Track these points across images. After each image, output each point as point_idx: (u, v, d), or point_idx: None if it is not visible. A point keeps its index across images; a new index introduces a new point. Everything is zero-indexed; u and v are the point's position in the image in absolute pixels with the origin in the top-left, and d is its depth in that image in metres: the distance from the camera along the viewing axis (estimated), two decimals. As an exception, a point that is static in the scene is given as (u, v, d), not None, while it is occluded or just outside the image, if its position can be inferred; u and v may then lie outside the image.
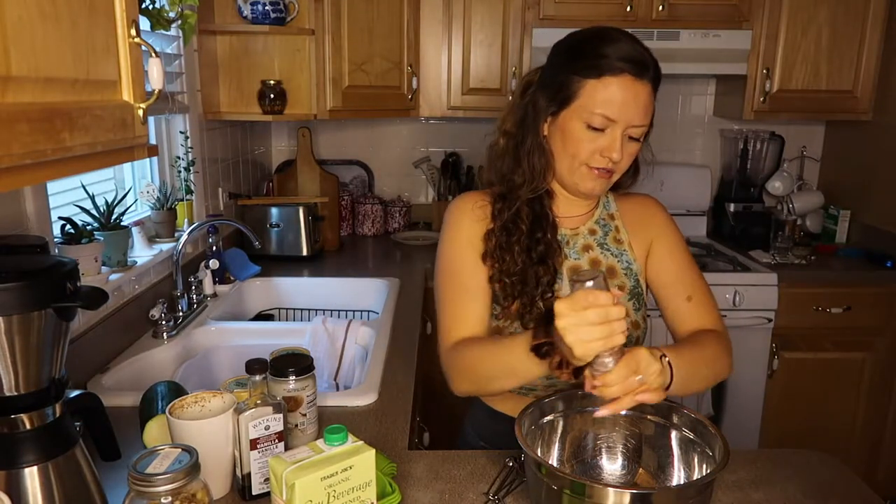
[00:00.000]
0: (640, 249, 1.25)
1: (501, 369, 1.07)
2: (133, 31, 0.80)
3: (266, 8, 2.20)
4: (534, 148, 1.17)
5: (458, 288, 1.18)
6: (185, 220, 2.02)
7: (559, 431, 1.06)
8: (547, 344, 0.95)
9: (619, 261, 1.23)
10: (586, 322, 0.85)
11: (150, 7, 1.49)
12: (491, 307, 1.20)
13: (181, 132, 2.03)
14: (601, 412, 0.95)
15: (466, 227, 1.20)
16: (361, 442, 0.87)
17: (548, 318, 0.92)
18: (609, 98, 1.08)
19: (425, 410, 1.97)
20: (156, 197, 1.87)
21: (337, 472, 0.83)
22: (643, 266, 1.25)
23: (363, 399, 1.37)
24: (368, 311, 2.21)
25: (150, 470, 0.81)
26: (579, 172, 1.15)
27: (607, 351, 0.88)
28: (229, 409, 1.02)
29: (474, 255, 1.19)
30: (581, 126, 1.11)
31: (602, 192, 1.19)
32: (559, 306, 0.87)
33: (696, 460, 0.99)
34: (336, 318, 1.94)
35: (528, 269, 1.17)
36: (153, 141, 1.95)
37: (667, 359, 0.99)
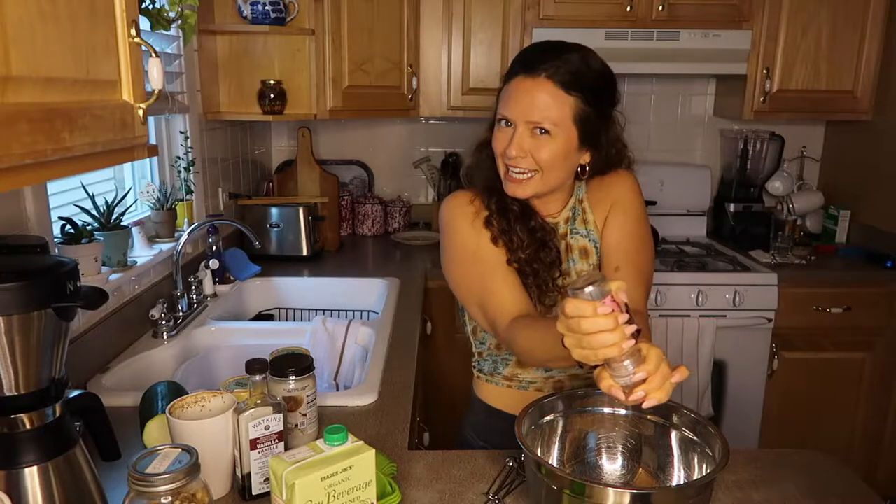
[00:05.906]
0: (601, 222, 1.26)
1: (556, 355, 1.00)
2: (133, 31, 0.80)
3: (266, 8, 2.20)
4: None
5: (486, 270, 1.20)
6: (185, 220, 2.02)
7: (559, 431, 1.06)
8: None
9: (588, 240, 1.26)
10: (579, 331, 0.82)
11: (150, 7, 1.49)
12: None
13: (181, 132, 2.03)
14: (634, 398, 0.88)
15: (470, 220, 1.23)
16: (361, 442, 0.87)
17: None
18: (506, 98, 1.16)
19: (425, 410, 1.97)
20: (156, 197, 1.87)
21: (337, 472, 0.83)
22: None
23: (363, 399, 1.37)
24: (368, 311, 2.21)
25: (150, 470, 0.81)
26: (505, 177, 1.19)
27: (621, 356, 0.83)
28: (229, 409, 1.02)
29: (487, 240, 1.21)
30: (496, 127, 1.18)
31: (526, 194, 1.19)
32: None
33: (696, 460, 0.99)
34: (336, 318, 1.94)
35: (536, 250, 1.20)
36: (153, 141, 1.95)
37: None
